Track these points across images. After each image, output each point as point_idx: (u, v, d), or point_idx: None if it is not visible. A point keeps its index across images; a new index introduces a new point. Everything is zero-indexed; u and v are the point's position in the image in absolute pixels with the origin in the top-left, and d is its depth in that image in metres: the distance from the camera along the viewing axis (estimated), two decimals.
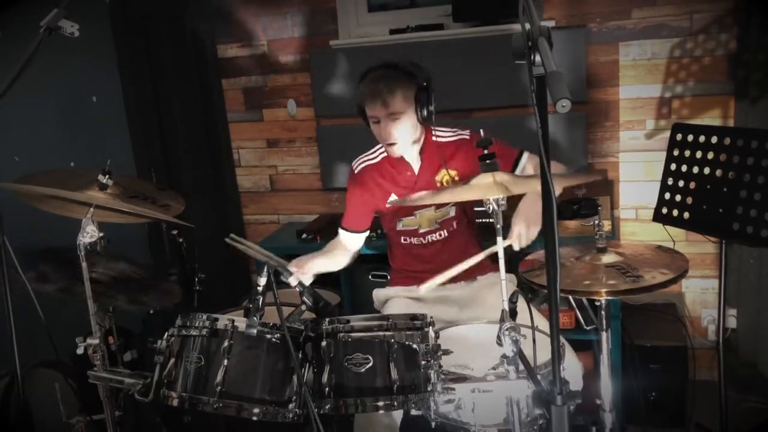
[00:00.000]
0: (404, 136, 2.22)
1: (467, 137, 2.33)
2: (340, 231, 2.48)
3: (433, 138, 2.32)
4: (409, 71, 2.19)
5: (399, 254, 2.47)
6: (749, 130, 2.05)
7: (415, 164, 2.34)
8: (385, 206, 2.39)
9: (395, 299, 2.41)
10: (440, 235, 2.36)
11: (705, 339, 3.08)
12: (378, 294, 2.52)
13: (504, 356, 1.52)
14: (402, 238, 2.40)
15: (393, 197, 2.36)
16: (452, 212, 2.35)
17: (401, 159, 2.32)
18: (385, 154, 2.36)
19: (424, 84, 2.17)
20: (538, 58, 1.10)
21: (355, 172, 2.43)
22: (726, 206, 2.01)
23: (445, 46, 3.13)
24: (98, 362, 1.80)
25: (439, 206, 2.33)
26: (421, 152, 2.32)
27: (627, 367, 2.72)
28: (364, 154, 2.43)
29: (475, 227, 2.46)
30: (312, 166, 3.54)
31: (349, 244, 2.47)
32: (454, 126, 2.38)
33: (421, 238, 2.38)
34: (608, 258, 1.87)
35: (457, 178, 2.31)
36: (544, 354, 1.51)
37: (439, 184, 2.32)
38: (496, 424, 1.62)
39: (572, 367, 1.95)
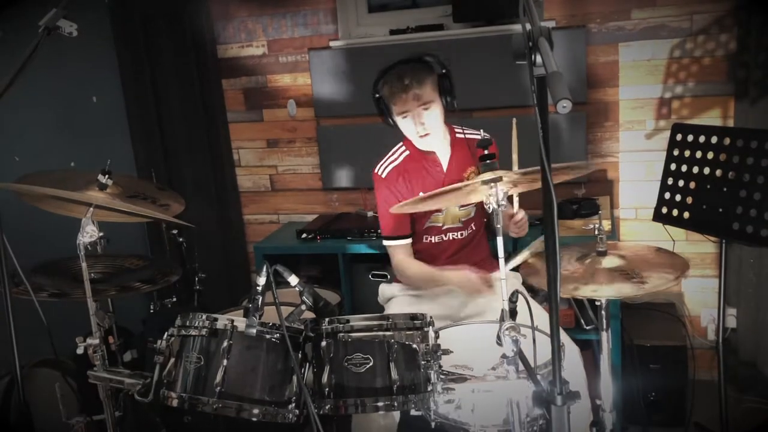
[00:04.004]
0: (436, 126, 2.25)
1: (489, 138, 2.34)
2: (387, 243, 2.38)
3: (458, 135, 2.37)
4: (428, 61, 2.25)
5: (415, 247, 2.44)
6: (749, 130, 2.05)
7: (444, 159, 2.35)
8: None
9: (399, 297, 2.42)
10: (461, 234, 2.38)
11: (705, 339, 3.08)
12: (383, 290, 2.52)
13: (504, 356, 1.52)
14: (424, 237, 2.40)
15: (421, 194, 2.31)
16: (473, 212, 2.38)
17: (429, 155, 2.33)
18: (407, 153, 2.35)
19: (444, 71, 2.23)
20: (538, 58, 1.10)
21: (382, 176, 2.37)
22: (726, 206, 2.02)
23: (445, 46, 3.13)
24: (98, 362, 1.80)
25: (463, 204, 2.34)
26: (451, 147, 2.35)
27: (627, 367, 2.72)
28: (385, 159, 2.37)
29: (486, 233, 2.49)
30: (312, 166, 3.54)
31: (403, 250, 2.37)
32: (463, 125, 2.39)
33: (443, 235, 2.38)
34: (609, 261, 1.87)
35: None
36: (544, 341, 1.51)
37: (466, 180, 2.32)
38: (495, 424, 1.62)
39: (569, 354, 1.95)
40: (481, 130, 2.38)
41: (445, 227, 2.37)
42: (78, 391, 2.49)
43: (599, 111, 3.06)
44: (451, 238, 2.39)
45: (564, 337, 2.04)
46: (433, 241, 2.40)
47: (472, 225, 2.40)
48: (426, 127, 2.23)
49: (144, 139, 3.36)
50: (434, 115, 2.23)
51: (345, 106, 3.35)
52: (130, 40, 3.27)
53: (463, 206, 2.34)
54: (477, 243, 2.44)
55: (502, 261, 1.56)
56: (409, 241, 2.37)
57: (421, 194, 2.20)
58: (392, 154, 2.38)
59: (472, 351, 1.81)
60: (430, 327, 1.61)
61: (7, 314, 1.54)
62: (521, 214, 2.21)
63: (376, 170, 2.39)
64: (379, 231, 2.61)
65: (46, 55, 1.60)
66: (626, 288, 1.73)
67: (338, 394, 1.54)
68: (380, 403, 1.53)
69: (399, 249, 2.36)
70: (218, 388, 1.55)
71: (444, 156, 2.35)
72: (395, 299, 2.43)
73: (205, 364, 1.58)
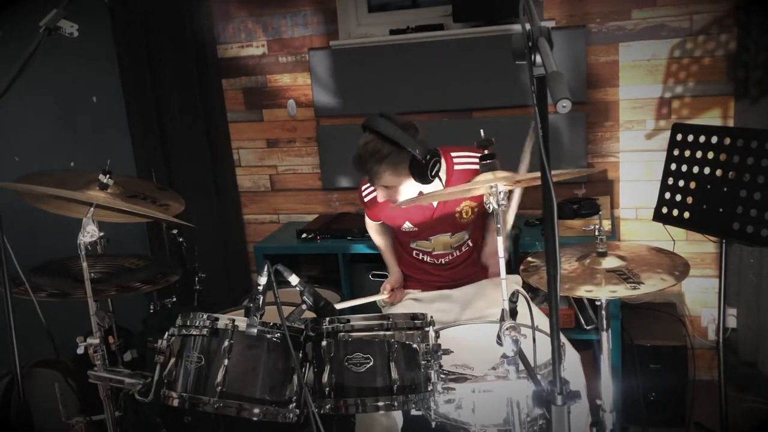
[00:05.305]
0: (405, 195, 2.15)
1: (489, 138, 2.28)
2: (368, 219, 2.53)
3: (455, 167, 2.23)
4: (399, 143, 2.02)
5: (408, 263, 2.45)
6: (749, 130, 2.05)
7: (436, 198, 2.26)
8: (400, 229, 2.36)
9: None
10: (453, 255, 2.36)
11: (705, 339, 3.08)
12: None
13: (504, 356, 1.52)
14: (414, 252, 2.40)
15: (407, 224, 2.32)
16: (466, 236, 2.34)
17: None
18: None
19: (418, 153, 2.02)
20: (538, 58, 1.10)
21: (365, 200, 2.39)
22: (726, 206, 2.02)
23: (445, 46, 3.13)
24: (98, 362, 1.80)
25: (455, 232, 2.31)
26: (444, 184, 2.21)
27: (627, 367, 2.72)
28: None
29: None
30: (312, 166, 3.54)
31: (370, 224, 2.55)
32: (463, 127, 2.36)
33: (434, 258, 2.38)
34: (609, 262, 1.87)
35: (476, 209, 2.27)
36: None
37: (458, 215, 2.27)
38: (496, 424, 1.62)
39: (570, 359, 1.95)
40: (481, 130, 2.38)
41: (434, 252, 2.36)
42: (78, 391, 2.49)
43: (599, 111, 3.06)
44: (442, 261, 2.38)
45: (564, 341, 2.05)
46: (425, 259, 2.39)
47: (469, 242, 2.36)
48: (390, 200, 2.17)
49: (144, 139, 3.36)
50: (401, 191, 2.13)
51: (345, 106, 3.35)
52: (130, 40, 3.27)
53: (454, 233, 2.31)
54: (471, 256, 2.40)
55: (502, 261, 1.56)
56: (377, 222, 2.50)
57: (425, 195, 2.19)
58: None
59: (472, 351, 1.81)
60: (430, 327, 1.61)
61: (7, 314, 1.53)
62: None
63: (362, 188, 2.38)
64: None
65: (46, 56, 1.59)
66: (622, 290, 1.73)
67: (339, 394, 1.54)
68: (380, 403, 1.53)
69: (369, 223, 2.55)
70: (219, 387, 1.55)
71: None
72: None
73: (205, 364, 1.58)
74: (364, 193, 2.39)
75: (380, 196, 2.19)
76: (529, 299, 1.61)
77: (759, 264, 2.80)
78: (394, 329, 1.56)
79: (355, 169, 2.14)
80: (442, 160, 2.17)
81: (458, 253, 2.36)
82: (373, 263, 3.01)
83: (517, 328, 1.49)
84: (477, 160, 2.22)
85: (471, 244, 2.37)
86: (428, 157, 2.04)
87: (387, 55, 3.22)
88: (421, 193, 2.19)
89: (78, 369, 2.50)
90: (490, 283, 2.35)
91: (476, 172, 2.16)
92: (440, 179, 2.18)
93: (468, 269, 2.38)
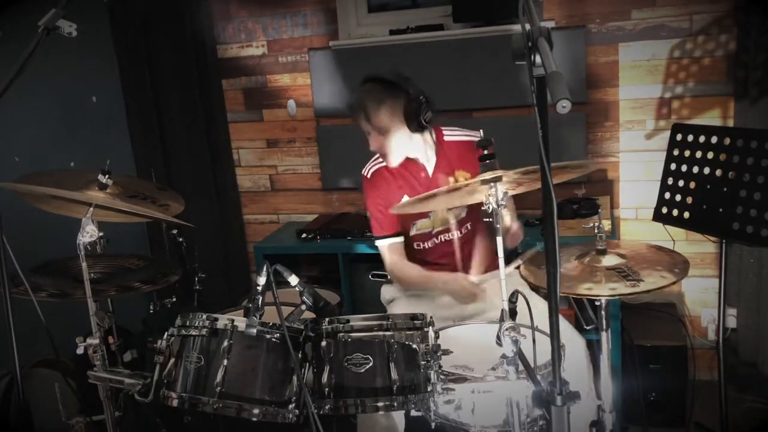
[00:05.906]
0: (397, 148, 2.24)
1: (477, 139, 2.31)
2: (378, 244, 2.38)
3: (445, 138, 2.34)
4: (396, 84, 2.18)
5: (409, 256, 2.44)
6: (749, 130, 2.06)
7: (429, 165, 2.33)
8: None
9: (401, 298, 2.42)
10: (452, 235, 2.36)
11: (705, 339, 3.08)
12: (385, 291, 2.53)
13: (504, 356, 1.52)
14: (415, 243, 2.40)
15: (405, 198, 2.33)
16: (464, 213, 2.35)
17: (412, 160, 2.32)
18: None
19: (411, 95, 2.15)
20: (538, 58, 1.10)
21: (368, 177, 2.41)
22: (726, 206, 2.02)
23: (445, 46, 3.13)
24: (98, 362, 1.80)
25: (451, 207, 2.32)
26: (436, 152, 2.32)
27: (627, 367, 2.72)
28: (371, 160, 2.40)
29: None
30: (312, 166, 3.54)
31: (395, 249, 2.36)
32: (463, 126, 2.38)
33: (435, 239, 2.38)
34: (608, 260, 1.87)
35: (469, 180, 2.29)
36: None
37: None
38: (496, 424, 1.62)
39: (574, 343, 1.96)
40: (481, 131, 2.38)
41: (435, 231, 2.37)
42: (78, 391, 2.49)
43: (599, 111, 3.06)
44: (442, 239, 2.38)
45: (570, 330, 2.06)
46: (425, 247, 2.39)
47: (468, 225, 2.37)
48: (383, 149, 2.24)
49: (144, 139, 3.36)
50: (394, 140, 2.21)
51: (345, 106, 3.34)
52: (129, 40, 3.27)
53: (450, 208, 2.32)
54: (477, 242, 2.40)
55: (501, 261, 1.56)
56: (399, 240, 2.36)
57: (425, 194, 2.20)
58: (378, 156, 2.38)
59: (472, 351, 1.81)
60: (430, 327, 1.61)
61: (7, 314, 1.53)
62: (516, 226, 2.23)
63: (363, 171, 2.43)
64: None
65: (45, 55, 1.59)
66: (621, 287, 1.73)
67: (338, 394, 1.54)
68: (380, 404, 1.53)
69: (390, 249, 2.35)
70: (218, 388, 1.55)
71: (429, 161, 2.33)
72: (397, 300, 2.43)
73: (205, 364, 1.58)
74: (366, 170, 2.41)
75: (372, 143, 2.25)
76: (529, 299, 1.61)
77: (759, 264, 2.79)
78: (394, 329, 1.56)
79: (352, 114, 2.25)
80: (433, 133, 2.30)
81: (459, 234, 2.36)
82: (373, 263, 3.00)
83: (517, 328, 1.49)
84: (469, 135, 2.31)
85: (470, 227, 2.37)
86: (421, 97, 2.16)
87: (387, 55, 3.22)
88: (419, 186, 2.27)
89: (78, 369, 2.49)
90: (494, 281, 2.35)
91: (469, 145, 2.24)
92: (432, 142, 2.30)
93: (471, 247, 2.37)
